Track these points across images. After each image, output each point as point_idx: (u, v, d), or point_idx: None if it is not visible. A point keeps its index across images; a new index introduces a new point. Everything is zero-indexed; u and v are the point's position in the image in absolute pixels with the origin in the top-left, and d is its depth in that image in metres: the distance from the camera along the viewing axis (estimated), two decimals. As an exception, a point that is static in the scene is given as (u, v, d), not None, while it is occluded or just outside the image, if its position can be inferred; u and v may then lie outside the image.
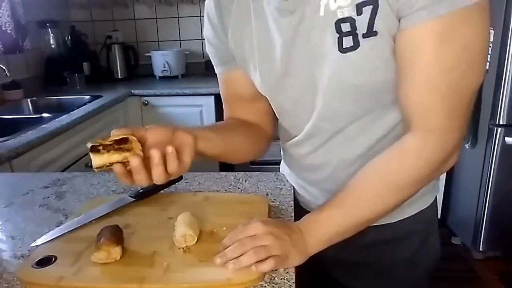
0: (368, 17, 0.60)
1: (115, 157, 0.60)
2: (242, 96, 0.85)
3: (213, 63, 0.85)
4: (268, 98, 0.81)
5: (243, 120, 0.87)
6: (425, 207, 0.82)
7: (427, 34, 0.59)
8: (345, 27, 0.62)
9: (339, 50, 0.64)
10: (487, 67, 1.99)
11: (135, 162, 0.59)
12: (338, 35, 0.63)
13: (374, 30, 0.61)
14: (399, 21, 0.60)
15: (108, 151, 0.60)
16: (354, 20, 0.61)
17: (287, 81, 0.73)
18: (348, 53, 0.63)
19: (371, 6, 0.59)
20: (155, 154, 0.60)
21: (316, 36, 0.66)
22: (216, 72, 0.87)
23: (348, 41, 0.62)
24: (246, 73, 0.81)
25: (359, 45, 0.62)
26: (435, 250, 0.88)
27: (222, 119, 0.90)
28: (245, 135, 0.84)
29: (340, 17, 0.62)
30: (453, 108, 0.62)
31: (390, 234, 0.81)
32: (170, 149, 0.61)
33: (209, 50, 0.84)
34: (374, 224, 0.74)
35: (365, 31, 0.61)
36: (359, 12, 0.60)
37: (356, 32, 0.61)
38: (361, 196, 0.69)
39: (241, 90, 0.84)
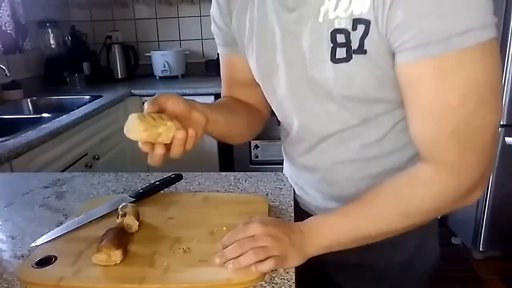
0: (360, 35, 0.60)
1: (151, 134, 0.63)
2: (240, 81, 0.86)
3: (216, 42, 0.87)
4: (262, 88, 0.82)
5: (240, 100, 0.88)
6: None
7: (423, 72, 0.57)
8: (340, 38, 0.62)
9: (331, 60, 0.63)
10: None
11: (180, 134, 0.64)
12: (332, 45, 0.63)
13: (364, 48, 0.60)
14: (393, 54, 0.59)
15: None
16: (349, 33, 0.61)
17: (278, 74, 0.73)
18: (340, 64, 0.63)
19: (364, 26, 0.59)
20: (179, 135, 0.64)
21: (312, 41, 0.66)
22: (218, 52, 0.88)
23: (341, 52, 0.62)
24: (246, 58, 0.81)
25: (352, 58, 0.62)
26: (433, 253, 0.86)
27: None
28: (244, 116, 0.86)
29: (337, 27, 0.61)
30: (467, 145, 0.59)
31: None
32: (192, 132, 0.66)
33: (213, 29, 0.85)
34: None
35: (356, 47, 0.61)
36: (354, 27, 0.60)
37: (350, 45, 0.61)
38: (370, 214, 0.67)
39: (240, 75, 0.85)
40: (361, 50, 0.60)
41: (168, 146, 0.65)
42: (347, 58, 0.62)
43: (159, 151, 0.64)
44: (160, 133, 0.63)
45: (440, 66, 0.55)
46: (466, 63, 0.55)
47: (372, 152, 0.72)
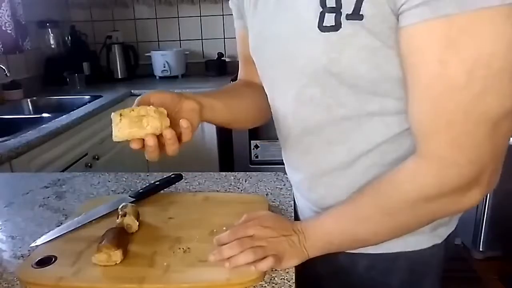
0: None
1: (135, 132, 0.61)
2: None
3: (233, 17, 0.85)
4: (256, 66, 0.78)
5: (252, 82, 0.85)
6: (413, 249, 0.69)
7: (429, 37, 0.48)
8: (330, 1, 0.55)
9: (318, 27, 0.56)
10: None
11: (150, 142, 0.61)
12: (321, 9, 0.56)
13: (360, 13, 0.52)
14: (398, 18, 0.51)
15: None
16: None
17: (265, 45, 0.70)
18: (327, 33, 0.56)
19: None
20: (169, 134, 0.61)
21: (301, 8, 0.59)
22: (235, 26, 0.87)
23: (329, 19, 0.55)
24: None
25: (341, 27, 0.54)
26: None
27: None
28: (252, 99, 0.82)
29: None
30: (462, 138, 0.51)
31: (369, 266, 0.71)
32: (185, 123, 0.62)
33: (230, 4, 0.83)
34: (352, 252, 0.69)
35: (350, 12, 0.53)
36: None
37: (341, 10, 0.54)
38: (355, 214, 0.64)
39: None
40: (357, 15, 0.53)
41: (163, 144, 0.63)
42: (336, 27, 0.55)
43: (149, 142, 0.61)
44: (145, 125, 0.61)
45: (450, 29, 0.47)
46: (482, 28, 0.46)
47: (360, 162, 0.65)
